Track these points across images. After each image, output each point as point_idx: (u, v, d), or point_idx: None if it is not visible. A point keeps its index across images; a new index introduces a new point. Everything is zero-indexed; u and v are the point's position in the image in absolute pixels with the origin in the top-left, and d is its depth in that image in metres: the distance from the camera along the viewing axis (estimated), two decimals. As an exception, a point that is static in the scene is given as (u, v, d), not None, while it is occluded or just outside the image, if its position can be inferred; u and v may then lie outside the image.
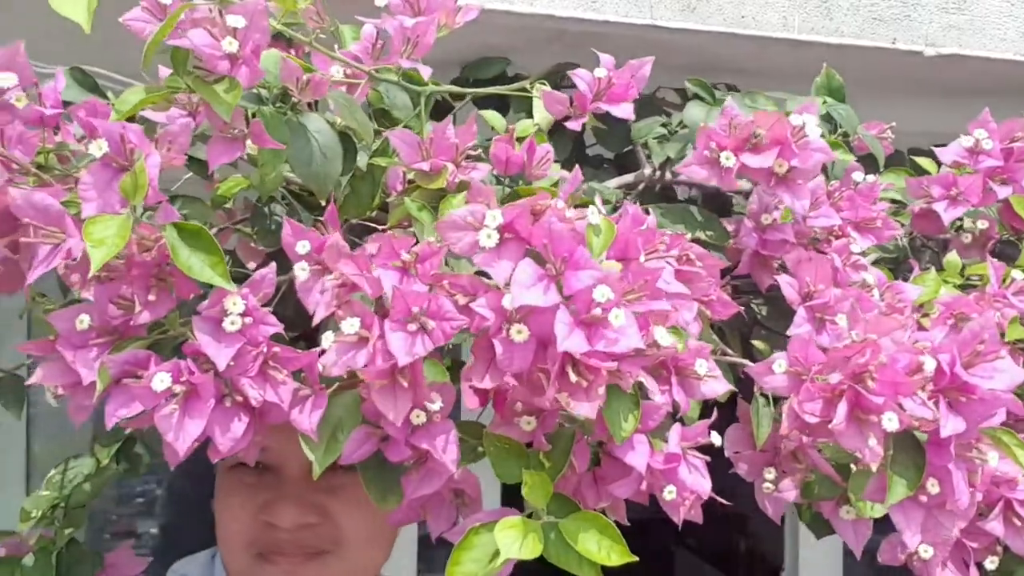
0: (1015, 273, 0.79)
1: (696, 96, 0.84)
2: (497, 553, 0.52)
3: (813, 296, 0.71)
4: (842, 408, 0.55)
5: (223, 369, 0.51)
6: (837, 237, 0.83)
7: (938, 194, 0.87)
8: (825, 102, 0.97)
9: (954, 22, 1.16)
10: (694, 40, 1.01)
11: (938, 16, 1.15)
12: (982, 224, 0.90)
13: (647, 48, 0.86)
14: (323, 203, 0.62)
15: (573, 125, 0.73)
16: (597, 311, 0.46)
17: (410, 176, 0.69)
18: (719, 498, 0.63)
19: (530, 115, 0.79)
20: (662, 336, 0.49)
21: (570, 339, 0.46)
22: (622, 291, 0.46)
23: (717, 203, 0.92)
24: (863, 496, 0.63)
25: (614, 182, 0.93)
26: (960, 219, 0.89)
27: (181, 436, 0.50)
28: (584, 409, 0.47)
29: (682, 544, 3.03)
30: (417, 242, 0.53)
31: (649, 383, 0.52)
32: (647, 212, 0.61)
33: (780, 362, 0.59)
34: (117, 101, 0.53)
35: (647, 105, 0.94)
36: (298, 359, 0.54)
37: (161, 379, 0.49)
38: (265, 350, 0.52)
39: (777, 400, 0.67)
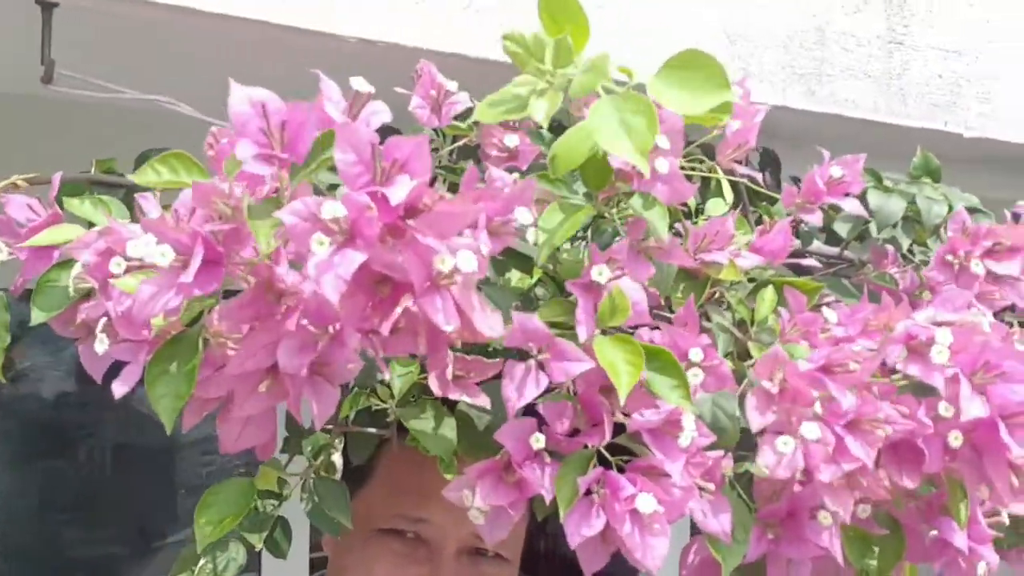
0: None
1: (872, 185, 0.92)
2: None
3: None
4: None
5: (677, 483, 0.52)
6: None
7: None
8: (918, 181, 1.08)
9: (984, 110, 1.33)
10: (811, 119, 1.11)
11: (975, 104, 1.31)
12: None
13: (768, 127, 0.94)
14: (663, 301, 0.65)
15: (812, 218, 0.79)
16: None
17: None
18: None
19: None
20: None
21: (1016, 447, 0.52)
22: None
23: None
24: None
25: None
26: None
27: (650, 555, 0.51)
28: (1021, 509, 0.53)
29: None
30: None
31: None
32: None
33: None
34: (543, 222, 0.53)
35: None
36: (708, 464, 0.56)
37: (647, 501, 0.50)
38: (700, 459, 0.54)
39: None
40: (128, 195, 0.68)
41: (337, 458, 0.74)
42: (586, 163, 0.55)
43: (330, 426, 0.69)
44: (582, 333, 0.49)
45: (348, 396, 0.63)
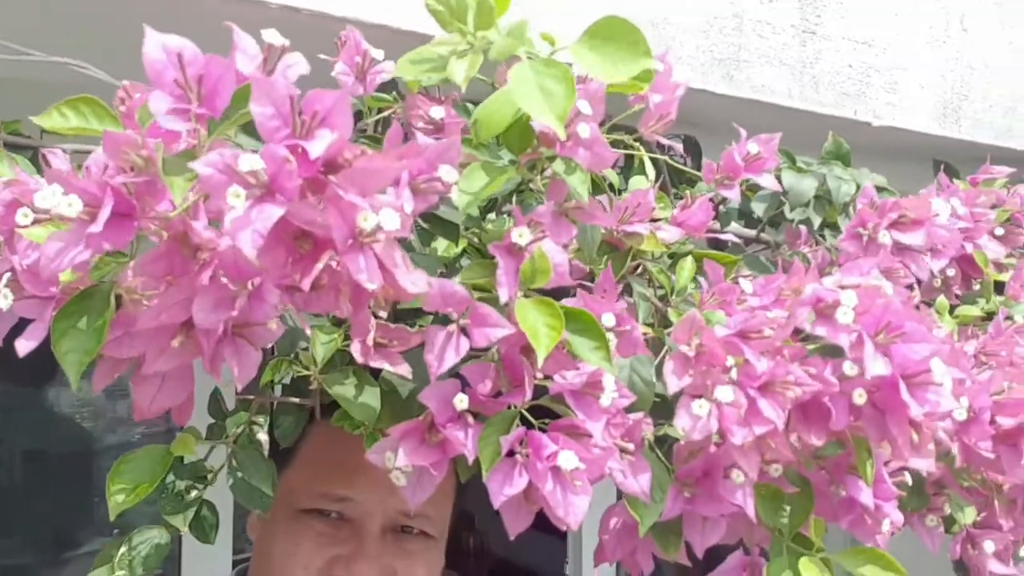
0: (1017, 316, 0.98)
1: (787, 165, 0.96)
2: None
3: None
4: (1024, 448, 0.68)
5: (599, 442, 0.53)
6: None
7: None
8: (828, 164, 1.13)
9: (892, 100, 1.39)
10: (729, 105, 1.14)
11: (883, 94, 1.37)
12: (951, 271, 1.10)
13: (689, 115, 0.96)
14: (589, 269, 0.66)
15: (731, 194, 0.81)
16: (938, 380, 0.55)
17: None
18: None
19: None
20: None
21: (915, 406, 0.55)
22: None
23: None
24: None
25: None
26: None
27: (572, 512, 0.51)
28: (923, 464, 0.56)
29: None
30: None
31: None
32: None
33: (961, 411, 0.71)
34: (466, 183, 0.53)
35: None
36: (628, 424, 0.57)
37: (568, 458, 0.50)
38: (621, 420, 0.55)
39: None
40: (35, 158, 0.66)
41: (263, 436, 0.73)
42: (509, 128, 0.56)
43: (251, 396, 0.68)
44: (503, 295, 0.50)
45: (270, 363, 0.62)
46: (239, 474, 0.67)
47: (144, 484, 0.54)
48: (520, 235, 0.50)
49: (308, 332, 0.48)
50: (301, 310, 0.45)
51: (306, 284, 0.42)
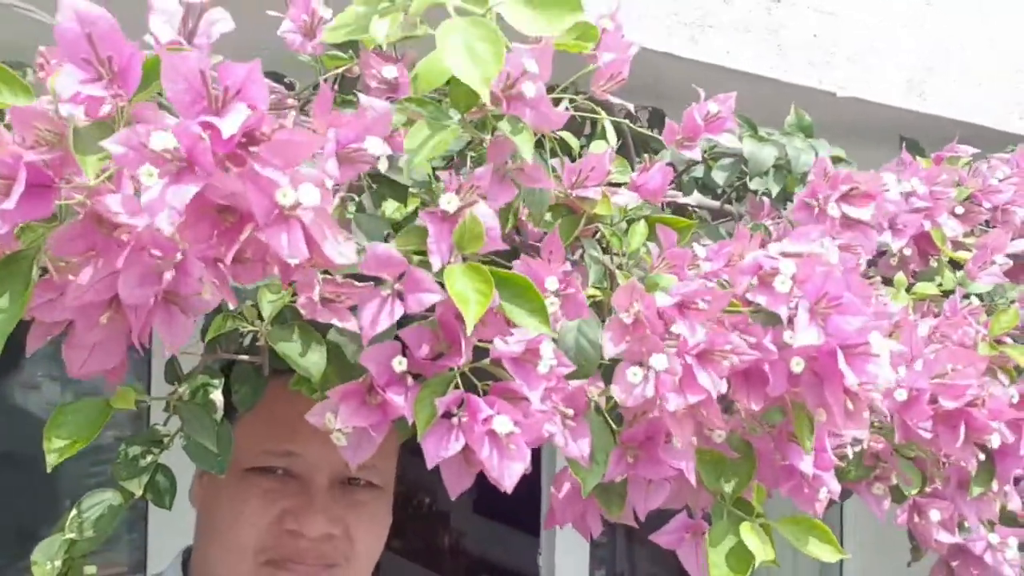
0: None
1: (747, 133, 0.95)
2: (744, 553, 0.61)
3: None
4: (963, 430, 0.69)
5: (537, 408, 0.53)
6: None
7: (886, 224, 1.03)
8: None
9: (855, 71, 1.36)
10: (693, 68, 1.12)
11: (847, 65, 1.34)
12: (907, 250, 1.09)
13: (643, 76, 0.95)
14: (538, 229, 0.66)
15: (692, 154, 0.81)
16: (876, 351, 0.55)
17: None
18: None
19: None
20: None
21: (850, 376, 0.55)
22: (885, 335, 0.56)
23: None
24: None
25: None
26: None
27: (507, 475, 0.52)
28: (856, 432, 0.57)
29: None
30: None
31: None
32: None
33: (901, 391, 0.71)
34: (409, 140, 0.52)
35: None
36: (570, 392, 0.58)
37: (503, 422, 0.51)
38: (560, 386, 0.56)
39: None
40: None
41: (217, 396, 0.72)
42: (455, 84, 0.55)
43: (193, 352, 0.68)
44: (435, 262, 0.49)
45: (215, 320, 0.61)
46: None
47: (82, 439, 0.54)
48: (448, 202, 0.50)
49: (232, 301, 0.47)
50: (229, 282, 0.45)
51: (228, 258, 0.42)
